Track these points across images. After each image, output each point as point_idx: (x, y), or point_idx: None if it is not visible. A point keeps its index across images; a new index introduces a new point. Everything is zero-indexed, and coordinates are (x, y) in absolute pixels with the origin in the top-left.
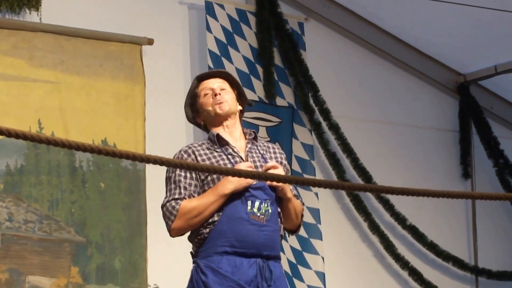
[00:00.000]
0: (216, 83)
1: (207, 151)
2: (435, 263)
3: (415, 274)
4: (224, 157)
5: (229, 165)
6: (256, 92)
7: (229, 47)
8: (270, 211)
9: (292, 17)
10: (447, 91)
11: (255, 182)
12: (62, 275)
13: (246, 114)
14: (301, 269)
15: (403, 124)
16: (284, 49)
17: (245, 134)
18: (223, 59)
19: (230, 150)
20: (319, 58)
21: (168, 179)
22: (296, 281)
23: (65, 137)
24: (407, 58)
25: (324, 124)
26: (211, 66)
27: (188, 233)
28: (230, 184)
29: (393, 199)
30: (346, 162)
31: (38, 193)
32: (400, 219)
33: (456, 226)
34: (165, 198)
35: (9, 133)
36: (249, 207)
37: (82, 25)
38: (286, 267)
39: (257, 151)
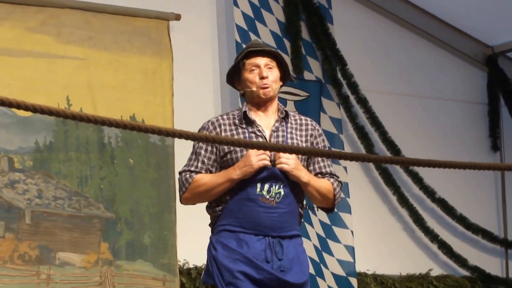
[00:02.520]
0: (263, 60)
1: (233, 127)
2: (464, 236)
3: (445, 247)
4: (247, 135)
5: None
6: None
7: (256, 21)
8: (282, 193)
9: None
10: (475, 64)
11: (265, 169)
12: (92, 251)
13: None
14: (330, 243)
15: (431, 97)
16: (312, 23)
17: (278, 110)
18: (251, 34)
19: (255, 129)
20: (346, 31)
21: (192, 147)
22: (325, 255)
23: (93, 113)
24: (434, 30)
25: (352, 98)
26: (239, 41)
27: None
28: (239, 170)
29: (422, 172)
30: (374, 135)
31: (67, 170)
32: (429, 192)
33: (485, 198)
34: (185, 165)
35: (36, 109)
36: (258, 190)
37: (109, 1)
38: (315, 241)
39: (284, 129)
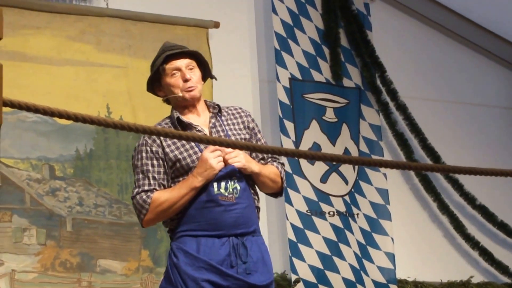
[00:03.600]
0: (184, 62)
1: None
2: (505, 242)
3: (486, 254)
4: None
5: (196, 148)
6: (323, 73)
7: (295, 29)
8: (238, 188)
9: None
10: None
11: (222, 170)
12: (133, 258)
13: (313, 95)
14: (371, 250)
15: (471, 103)
16: (350, 30)
17: (208, 106)
18: (290, 41)
19: (194, 130)
20: (385, 38)
21: (135, 167)
22: (365, 262)
23: (133, 121)
24: (474, 36)
25: (391, 105)
26: (277, 48)
27: None
28: (200, 176)
29: (462, 178)
30: (414, 142)
31: (107, 177)
32: (469, 199)
33: None
34: (134, 188)
35: (77, 118)
36: (215, 189)
37: (148, 10)
38: (355, 248)
39: (221, 124)
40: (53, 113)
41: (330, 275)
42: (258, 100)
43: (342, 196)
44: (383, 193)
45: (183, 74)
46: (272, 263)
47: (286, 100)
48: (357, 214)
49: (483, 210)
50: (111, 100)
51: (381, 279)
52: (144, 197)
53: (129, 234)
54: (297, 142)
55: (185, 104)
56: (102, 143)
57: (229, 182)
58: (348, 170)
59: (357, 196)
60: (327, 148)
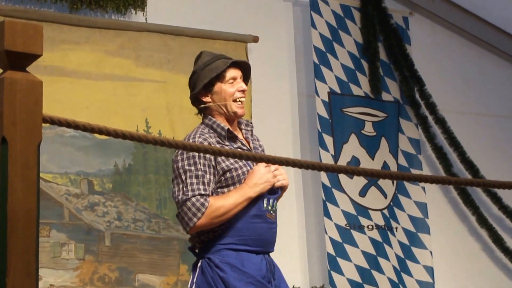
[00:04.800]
0: (239, 73)
1: (219, 145)
2: None
3: None
4: None
5: (244, 161)
6: (362, 87)
7: (334, 42)
8: (276, 207)
9: (396, 11)
10: None
11: (276, 184)
12: (171, 273)
13: (352, 109)
14: (409, 263)
15: (509, 116)
16: (389, 44)
17: (239, 123)
18: (328, 55)
19: (239, 144)
20: (424, 52)
21: (185, 171)
22: (404, 275)
23: (171, 136)
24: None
25: (430, 118)
26: (316, 62)
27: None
28: (257, 187)
29: (501, 192)
30: (453, 155)
31: (146, 192)
32: (508, 212)
33: None
34: (187, 191)
35: (116, 134)
36: (265, 205)
37: (187, 24)
38: (394, 261)
39: (255, 140)
40: (92, 129)
41: None
42: (297, 114)
43: (381, 210)
44: (422, 206)
45: (240, 85)
46: (311, 277)
47: (325, 114)
48: (396, 228)
49: None
50: (149, 115)
51: None
52: (202, 200)
53: (167, 249)
54: (336, 156)
55: (228, 116)
56: (141, 158)
57: (274, 201)
58: (387, 184)
59: (396, 210)
60: (366, 162)
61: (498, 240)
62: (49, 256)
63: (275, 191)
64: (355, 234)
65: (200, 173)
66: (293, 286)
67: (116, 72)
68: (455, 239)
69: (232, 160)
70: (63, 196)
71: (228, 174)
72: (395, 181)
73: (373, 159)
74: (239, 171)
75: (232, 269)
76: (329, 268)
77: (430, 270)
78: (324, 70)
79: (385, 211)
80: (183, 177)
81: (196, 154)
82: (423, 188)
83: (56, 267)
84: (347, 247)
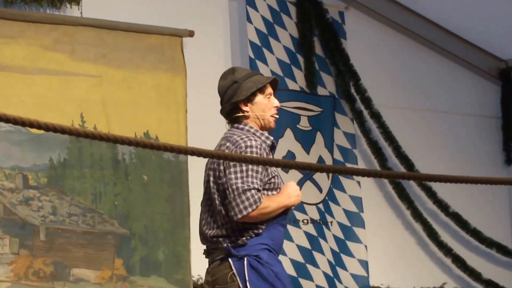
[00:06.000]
0: (272, 92)
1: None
2: (478, 249)
3: (458, 261)
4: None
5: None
6: (297, 81)
7: (269, 37)
8: None
9: (332, 6)
10: (489, 78)
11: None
12: (106, 267)
13: (287, 104)
14: (344, 257)
15: (445, 111)
16: (325, 39)
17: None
18: (264, 50)
19: (272, 155)
20: (359, 47)
21: (249, 163)
22: (339, 269)
23: (107, 130)
24: (448, 45)
25: (365, 113)
26: (252, 56)
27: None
28: (293, 199)
29: (435, 186)
30: (388, 150)
31: (81, 187)
32: (442, 206)
33: (499, 212)
34: (247, 181)
35: (48, 128)
36: (287, 217)
37: (122, 18)
38: (328, 255)
39: None
40: (24, 123)
41: (304, 282)
42: None
43: (316, 204)
44: (357, 201)
45: (276, 102)
46: None
47: None
48: (331, 222)
49: (456, 218)
50: (85, 110)
51: (354, 286)
52: (259, 194)
53: (102, 243)
54: None
55: (262, 126)
56: (76, 152)
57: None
58: (322, 178)
59: (331, 204)
60: (301, 156)
61: (432, 234)
62: None
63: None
64: (291, 229)
65: (259, 169)
66: None
67: (51, 66)
68: (390, 233)
69: (274, 168)
70: None
71: (272, 180)
72: (330, 176)
73: (308, 153)
74: (278, 180)
75: (278, 265)
76: None
77: (364, 264)
78: (259, 64)
79: (320, 206)
80: (245, 167)
81: (262, 152)
82: (358, 183)
83: None
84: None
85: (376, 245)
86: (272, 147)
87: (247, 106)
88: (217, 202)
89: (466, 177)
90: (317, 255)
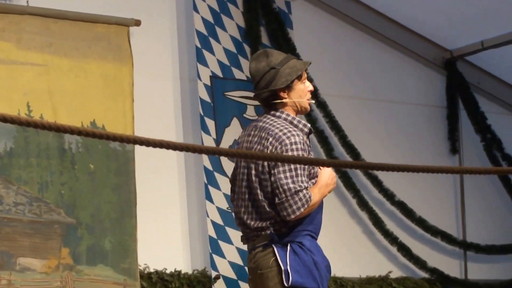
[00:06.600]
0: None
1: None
2: (423, 238)
3: (404, 249)
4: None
5: None
6: (244, 71)
7: (216, 27)
8: None
9: None
10: (434, 67)
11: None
12: (53, 256)
13: (234, 93)
14: None
15: (391, 100)
16: (271, 28)
17: None
18: (211, 39)
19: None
20: (306, 37)
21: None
22: None
23: (54, 120)
24: (394, 35)
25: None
26: (199, 46)
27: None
28: (329, 187)
29: (381, 175)
30: (334, 139)
31: (27, 176)
32: (388, 195)
33: (445, 201)
34: (297, 181)
35: None
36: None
37: (69, 7)
38: None
39: None
40: None
41: (223, 245)
42: (179, 98)
43: None
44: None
45: (310, 86)
46: (193, 260)
47: (207, 98)
48: None
49: (402, 206)
50: (31, 99)
51: None
52: (309, 193)
53: (49, 232)
54: (218, 140)
55: (299, 111)
56: (22, 142)
57: None
58: None
59: None
60: None
61: (378, 223)
62: None
63: None
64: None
65: (305, 166)
66: (175, 269)
67: None
68: (336, 222)
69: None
70: None
71: (312, 170)
72: None
73: None
74: (316, 169)
75: (320, 253)
76: (210, 251)
77: None
78: (206, 54)
79: None
80: (293, 166)
81: (305, 148)
82: None
83: None
84: (229, 230)
85: (321, 234)
86: (310, 133)
87: (285, 92)
88: (260, 197)
89: (411, 166)
90: None
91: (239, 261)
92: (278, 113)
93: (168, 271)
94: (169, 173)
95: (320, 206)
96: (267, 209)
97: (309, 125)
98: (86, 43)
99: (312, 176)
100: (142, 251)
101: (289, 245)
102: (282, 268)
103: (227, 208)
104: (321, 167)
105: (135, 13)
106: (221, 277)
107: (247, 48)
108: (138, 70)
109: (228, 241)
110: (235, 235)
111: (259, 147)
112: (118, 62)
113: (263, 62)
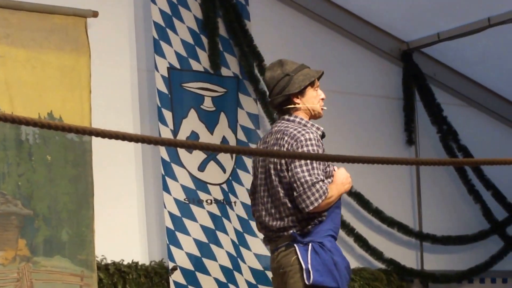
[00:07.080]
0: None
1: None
2: (380, 229)
3: (361, 240)
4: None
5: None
6: (202, 62)
7: (173, 18)
8: None
9: None
10: (391, 59)
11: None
12: (10, 247)
13: (191, 84)
14: (248, 237)
15: (348, 92)
16: (229, 20)
17: None
18: (168, 31)
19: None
20: (263, 28)
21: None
22: (243, 249)
23: (10, 111)
24: (351, 27)
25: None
26: (156, 37)
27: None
28: (345, 186)
29: (338, 166)
30: None
31: None
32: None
33: (401, 192)
34: (314, 174)
35: None
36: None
37: None
38: (232, 235)
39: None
40: None
41: (207, 262)
42: (137, 90)
43: (219, 184)
44: None
45: (322, 93)
46: (150, 251)
47: (164, 89)
48: (235, 202)
49: (358, 197)
50: None
51: (258, 266)
52: (326, 185)
53: (6, 224)
54: (175, 131)
55: (312, 116)
56: None
57: None
58: (226, 159)
59: (234, 184)
60: (205, 136)
61: None
62: None
63: None
64: (194, 209)
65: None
66: (132, 260)
67: None
68: None
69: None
70: None
71: (327, 168)
72: (234, 156)
73: (212, 134)
74: (331, 168)
75: (340, 254)
76: (168, 243)
77: None
78: (163, 45)
79: (224, 186)
80: (309, 160)
81: (320, 144)
82: None
83: None
84: (186, 222)
85: None
86: (322, 136)
87: (298, 98)
88: (281, 194)
89: (368, 158)
90: (220, 235)
91: (196, 252)
92: (292, 117)
93: (125, 262)
94: (126, 164)
95: (338, 206)
96: (289, 205)
97: (322, 128)
98: (44, 34)
99: (328, 175)
100: (99, 242)
101: (310, 244)
102: (303, 266)
103: (185, 200)
104: (335, 168)
105: (93, 4)
106: (178, 268)
107: (204, 40)
108: (96, 61)
109: (186, 232)
110: (192, 226)
111: (276, 147)
112: (75, 53)
113: (278, 70)
